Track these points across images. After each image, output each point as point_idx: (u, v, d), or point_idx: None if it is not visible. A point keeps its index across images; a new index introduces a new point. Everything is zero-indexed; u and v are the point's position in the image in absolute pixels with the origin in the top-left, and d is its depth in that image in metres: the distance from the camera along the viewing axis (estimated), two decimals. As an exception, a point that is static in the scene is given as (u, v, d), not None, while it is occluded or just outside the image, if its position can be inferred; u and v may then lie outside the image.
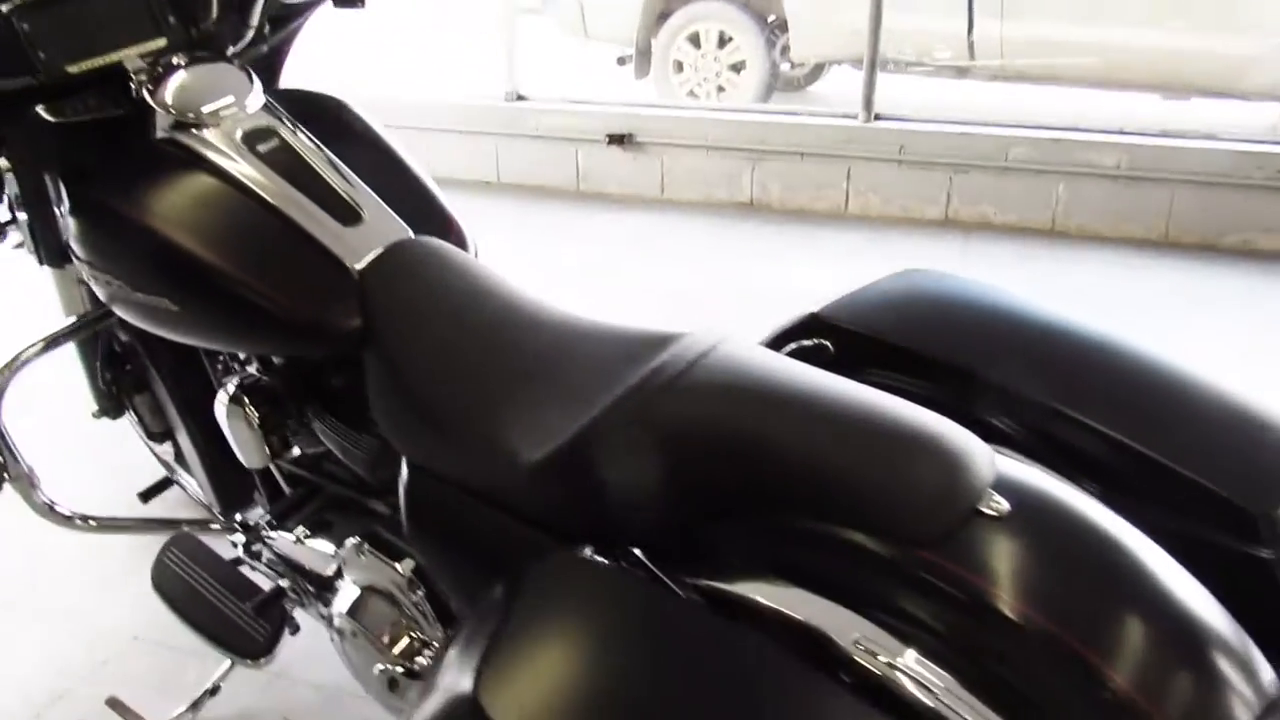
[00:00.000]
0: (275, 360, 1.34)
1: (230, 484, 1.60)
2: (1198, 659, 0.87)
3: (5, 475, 1.47)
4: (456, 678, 0.80)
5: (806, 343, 1.15)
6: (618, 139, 3.93)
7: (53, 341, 1.52)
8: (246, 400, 1.32)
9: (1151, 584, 0.88)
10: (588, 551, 0.93)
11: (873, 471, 0.91)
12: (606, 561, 0.91)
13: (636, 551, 0.94)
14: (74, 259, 1.34)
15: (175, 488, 1.81)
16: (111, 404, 1.76)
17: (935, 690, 0.83)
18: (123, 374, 1.71)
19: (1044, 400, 1.05)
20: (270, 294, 1.19)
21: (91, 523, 1.56)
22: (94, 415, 1.78)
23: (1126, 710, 0.81)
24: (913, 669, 0.84)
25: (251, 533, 1.48)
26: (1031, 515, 0.90)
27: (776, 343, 1.18)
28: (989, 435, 1.07)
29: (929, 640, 0.85)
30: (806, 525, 0.91)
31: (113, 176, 1.30)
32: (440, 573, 1.19)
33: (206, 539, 1.58)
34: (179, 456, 1.76)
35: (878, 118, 3.73)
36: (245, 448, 1.35)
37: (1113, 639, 0.84)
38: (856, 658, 0.84)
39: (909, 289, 1.19)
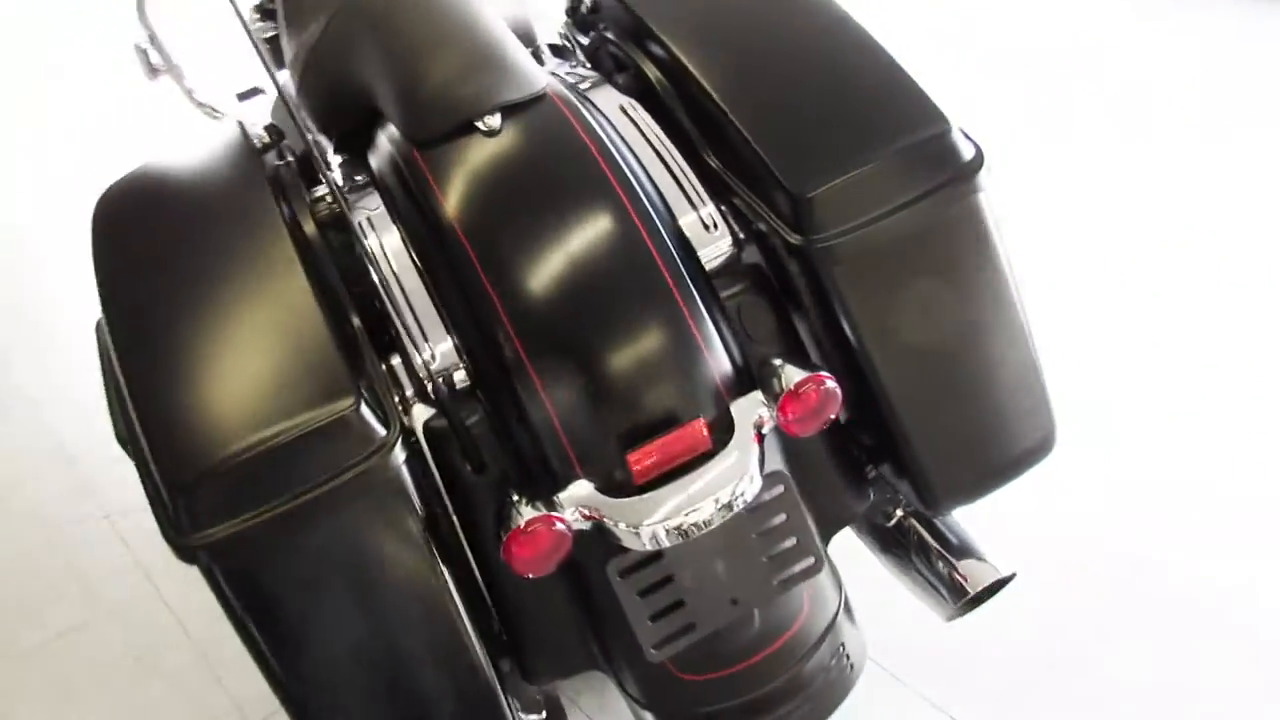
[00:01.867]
0: None
1: None
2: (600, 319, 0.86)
3: (157, 67, 1.73)
4: None
5: None
6: None
7: None
8: None
9: (590, 241, 0.88)
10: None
11: (415, 77, 0.98)
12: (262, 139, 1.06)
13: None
14: None
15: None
16: None
17: (392, 283, 0.94)
18: None
19: (686, 63, 1.02)
20: None
21: (217, 113, 1.89)
22: None
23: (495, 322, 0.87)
24: (387, 254, 0.95)
25: None
26: (511, 142, 0.94)
27: None
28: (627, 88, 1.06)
29: (405, 230, 0.96)
30: (377, 120, 1.03)
31: None
32: None
33: None
34: None
35: None
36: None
37: (506, 267, 0.88)
38: (360, 235, 0.95)
39: None
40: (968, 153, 0.95)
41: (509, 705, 0.92)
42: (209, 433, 0.80)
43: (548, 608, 0.95)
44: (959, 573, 1.06)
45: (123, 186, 1.03)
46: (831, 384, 0.87)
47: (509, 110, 0.96)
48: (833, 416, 0.89)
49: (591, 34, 1.20)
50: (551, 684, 1.04)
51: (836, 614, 0.99)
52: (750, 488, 0.84)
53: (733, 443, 0.85)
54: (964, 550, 1.08)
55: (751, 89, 0.99)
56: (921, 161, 0.93)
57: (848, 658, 1.01)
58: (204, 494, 0.78)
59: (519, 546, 0.82)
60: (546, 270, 0.88)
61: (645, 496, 0.83)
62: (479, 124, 0.95)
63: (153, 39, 1.63)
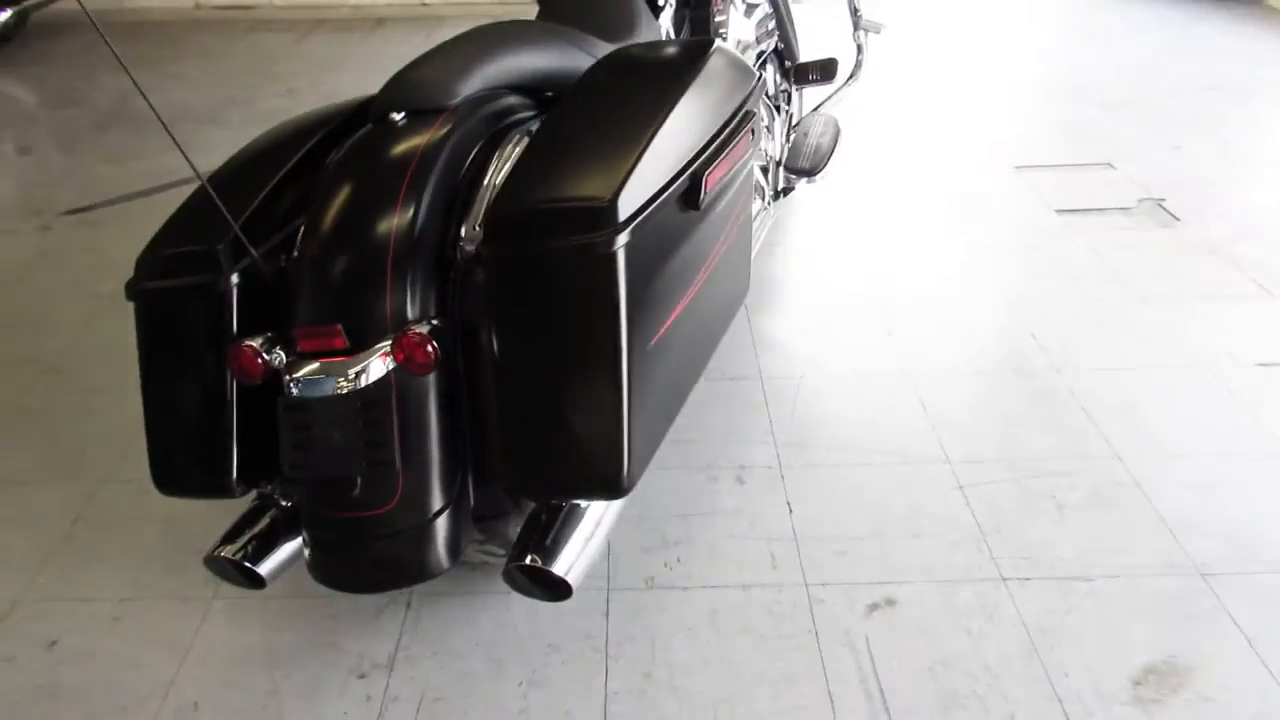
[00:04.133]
0: None
1: None
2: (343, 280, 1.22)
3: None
4: None
5: None
6: None
7: None
8: None
9: (360, 209, 1.25)
10: None
11: (392, 78, 1.40)
12: None
13: None
14: None
15: None
16: None
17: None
18: None
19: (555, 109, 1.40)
20: None
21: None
22: None
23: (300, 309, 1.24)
24: None
25: None
26: (391, 136, 1.31)
27: None
28: None
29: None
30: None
31: None
32: None
33: None
34: None
35: None
36: None
37: (320, 201, 1.27)
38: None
39: None
40: (614, 219, 1.20)
41: (239, 469, 1.31)
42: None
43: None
44: (524, 552, 1.30)
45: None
46: (431, 348, 1.20)
47: (414, 114, 1.34)
48: (426, 366, 1.21)
49: None
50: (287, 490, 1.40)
51: (426, 521, 1.28)
52: (350, 384, 1.19)
53: (360, 354, 1.20)
54: (552, 546, 1.31)
55: (558, 137, 1.33)
56: (573, 216, 1.20)
57: (421, 557, 1.29)
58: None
59: (232, 356, 1.24)
60: (330, 213, 1.27)
61: (299, 360, 1.22)
62: (390, 117, 1.34)
63: None
